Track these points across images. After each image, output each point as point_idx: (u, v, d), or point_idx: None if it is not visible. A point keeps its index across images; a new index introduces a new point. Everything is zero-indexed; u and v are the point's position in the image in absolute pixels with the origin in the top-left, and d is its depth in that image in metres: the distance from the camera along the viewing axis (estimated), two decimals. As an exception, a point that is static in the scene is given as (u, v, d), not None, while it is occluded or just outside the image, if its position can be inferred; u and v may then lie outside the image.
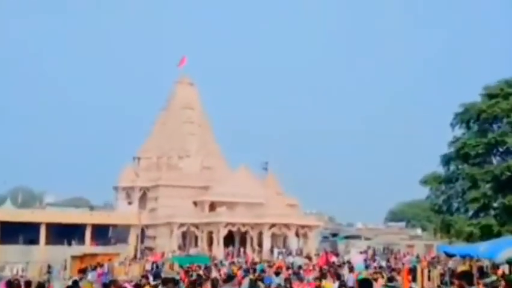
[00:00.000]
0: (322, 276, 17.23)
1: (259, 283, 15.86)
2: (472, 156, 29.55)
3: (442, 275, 17.35)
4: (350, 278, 16.75)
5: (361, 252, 46.39)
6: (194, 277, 18.91)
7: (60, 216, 55.10)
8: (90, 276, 25.53)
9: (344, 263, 28.30)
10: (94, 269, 30.47)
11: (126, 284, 15.71)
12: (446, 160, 31.18)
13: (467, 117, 30.86)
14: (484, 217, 29.52)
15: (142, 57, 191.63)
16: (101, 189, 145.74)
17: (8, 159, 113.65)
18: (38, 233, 53.66)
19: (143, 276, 14.92)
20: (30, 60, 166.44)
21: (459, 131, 31.46)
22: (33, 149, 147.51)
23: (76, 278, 17.48)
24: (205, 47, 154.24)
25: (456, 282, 9.08)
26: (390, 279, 15.00)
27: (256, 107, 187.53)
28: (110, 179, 71.64)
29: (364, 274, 15.48)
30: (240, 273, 21.88)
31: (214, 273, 23.41)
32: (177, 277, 20.60)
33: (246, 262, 36.88)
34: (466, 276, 9.11)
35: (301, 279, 14.02)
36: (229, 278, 13.85)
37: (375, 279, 15.30)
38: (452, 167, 31.30)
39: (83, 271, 25.85)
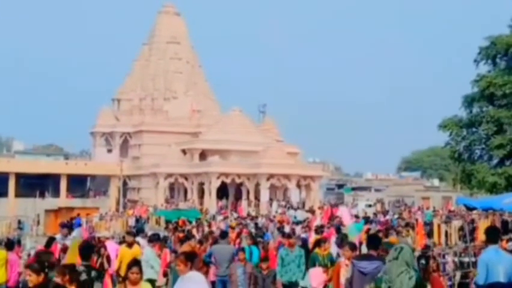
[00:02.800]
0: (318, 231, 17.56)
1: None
2: (499, 96, 29.43)
3: (461, 230, 17.59)
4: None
5: (370, 206, 46.96)
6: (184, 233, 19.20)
7: (31, 166, 55.33)
8: (75, 232, 25.74)
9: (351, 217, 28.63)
10: (77, 224, 30.87)
11: (108, 242, 15.95)
12: (469, 101, 31.05)
13: (493, 52, 30.56)
14: (510, 166, 29.70)
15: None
16: (76, 135, 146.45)
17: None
18: (6, 185, 53.98)
19: (128, 233, 14.83)
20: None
21: (484, 68, 31.21)
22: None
23: (57, 235, 17.60)
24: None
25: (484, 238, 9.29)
26: (386, 234, 15.19)
27: (253, 41, 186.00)
28: (87, 123, 71.85)
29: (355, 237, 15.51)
30: (236, 229, 22.13)
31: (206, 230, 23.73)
32: (163, 233, 20.93)
33: (239, 217, 37.25)
34: (491, 232, 9.30)
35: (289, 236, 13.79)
36: (224, 234, 14.07)
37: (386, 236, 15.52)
38: (475, 109, 31.19)
39: (66, 226, 26.01)
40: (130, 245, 13.30)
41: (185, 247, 13.13)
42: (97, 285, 9.10)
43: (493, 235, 9.17)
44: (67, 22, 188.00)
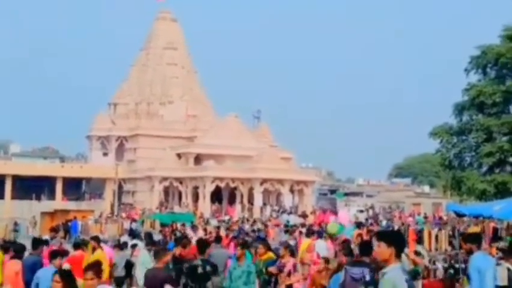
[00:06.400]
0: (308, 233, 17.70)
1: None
2: (488, 105, 29.52)
3: (451, 236, 17.62)
4: (321, 246, 16.03)
5: (361, 211, 46.94)
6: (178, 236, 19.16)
7: (27, 168, 55.09)
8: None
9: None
10: (74, 227, 30.92)
11: (102, 245, 15.90)
12: (459, 109, 31.12)
13: (484, 61, 30.63)
14: (500, 173, 29.76)
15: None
16: (72, 138, 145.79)
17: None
18: (2, 187, 53.77)
19: (92, 238, 14.58)
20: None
21: (474, 77, 31.30)
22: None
23: (47, 237, 17.61)
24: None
25: (464, 245, 9.31)
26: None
27: (249, 47, 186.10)
28: (83, 127, 71.65)
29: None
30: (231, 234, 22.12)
31: (200, 233, 23.71)
32: (158, 237, 20.88)
33: (236, 221, 37.18)
34: (475, 238, 9.33)
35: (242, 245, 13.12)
36: (218, 239, 14.03)
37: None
38: (465, 118, 31.27)
39: (56, 230, 25.81)
40: (92, 249, 13.18)
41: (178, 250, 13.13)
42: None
43: (477, 241, 9.20)
44: (66, 27, 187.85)
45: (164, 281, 8.18)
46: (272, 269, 11.15)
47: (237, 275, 9.86)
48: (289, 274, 11.11)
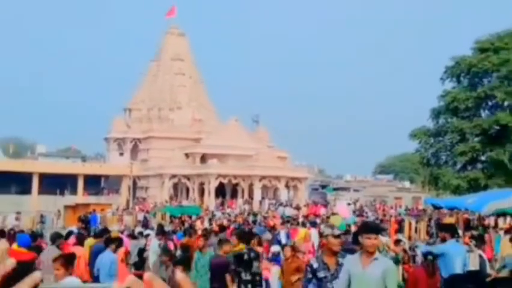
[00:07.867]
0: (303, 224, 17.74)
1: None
2: (462, 109, 29.67)
3: (428, 226, 17.65)
4: (315, 235, 15.63)
5: (349, 204, 46.76)
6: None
7: (52, 167, 55.13)
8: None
9: (333, 214, 28.59)
10: (94, 219, 30.82)
11: (120, 235, 15.90)
12: (436, 114, 31.28)
13: (457, 71, 30.79)
14: (472, 170, 29.91)
15: (132, 6, 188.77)
16: (92, 139, 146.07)
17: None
18: (30, 183, 53.78)
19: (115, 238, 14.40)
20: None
21: (449, 85, 31.51)
22: (24, 99, 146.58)
23: (73, 227, 17.57)
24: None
25: (440, 234, 9.33)
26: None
27: (248, 58, 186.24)
28: (102, 129, 71.57)
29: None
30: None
31: (205, 224, 23.72)
32: (168, 227, 20.87)
33: (241, 213, 37.11)
34: (449, 228, 9.34)
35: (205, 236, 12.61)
36: (222, 228, 14.02)
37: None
38: (441, 121, 31.44)
39: (84, 220, 25.60)
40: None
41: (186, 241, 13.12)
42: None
43: (451, 230, 9.21)
44: (86, 41, 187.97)
45: (226, 266, 8.63)
46: None
47: (201, 265, 9.29)
48: None
